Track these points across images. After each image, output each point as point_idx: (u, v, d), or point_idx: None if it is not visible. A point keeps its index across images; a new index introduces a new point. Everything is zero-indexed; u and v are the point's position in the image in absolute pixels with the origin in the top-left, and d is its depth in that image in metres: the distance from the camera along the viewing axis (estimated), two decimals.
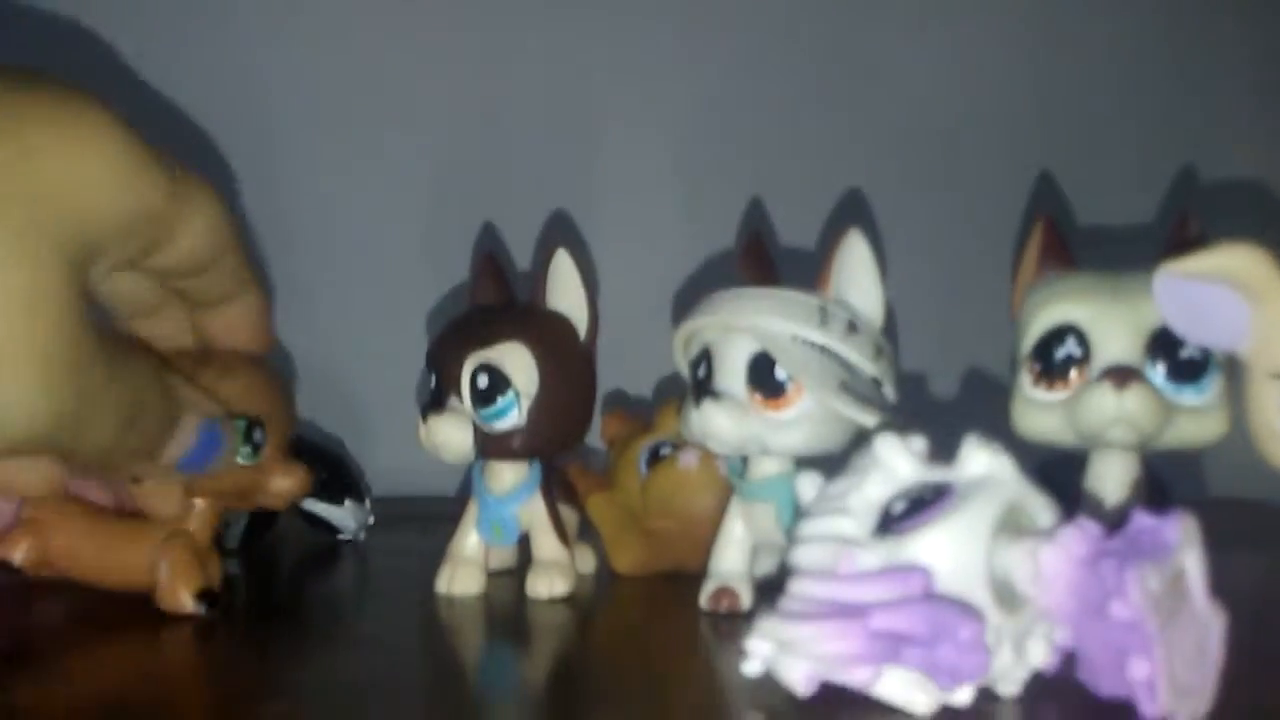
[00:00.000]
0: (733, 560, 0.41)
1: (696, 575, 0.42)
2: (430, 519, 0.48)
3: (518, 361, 0.41)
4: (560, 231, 0.62)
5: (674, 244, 0.63)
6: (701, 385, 0.39)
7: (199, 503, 0.39)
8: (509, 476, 0.43)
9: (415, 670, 0.35)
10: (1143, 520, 0.27)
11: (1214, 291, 0.31)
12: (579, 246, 0.44)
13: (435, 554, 0.44)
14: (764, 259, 0.42)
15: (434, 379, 0.42)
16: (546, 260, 0.43)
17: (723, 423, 0.38)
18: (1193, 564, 0.27)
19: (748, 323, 0.38)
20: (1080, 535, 0.27)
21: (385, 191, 0.64)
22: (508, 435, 0.41)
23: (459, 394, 0.41)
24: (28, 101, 0.27)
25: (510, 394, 0.41)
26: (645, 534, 0.46)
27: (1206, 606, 0.27)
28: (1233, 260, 0.31)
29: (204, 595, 0.39)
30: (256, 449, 0.38)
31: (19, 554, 0.39)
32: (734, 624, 0.39)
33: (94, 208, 0.28)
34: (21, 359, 0.26)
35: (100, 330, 0.28)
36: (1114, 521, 0.28)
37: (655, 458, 0.47)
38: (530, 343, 0.41)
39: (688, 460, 0.45)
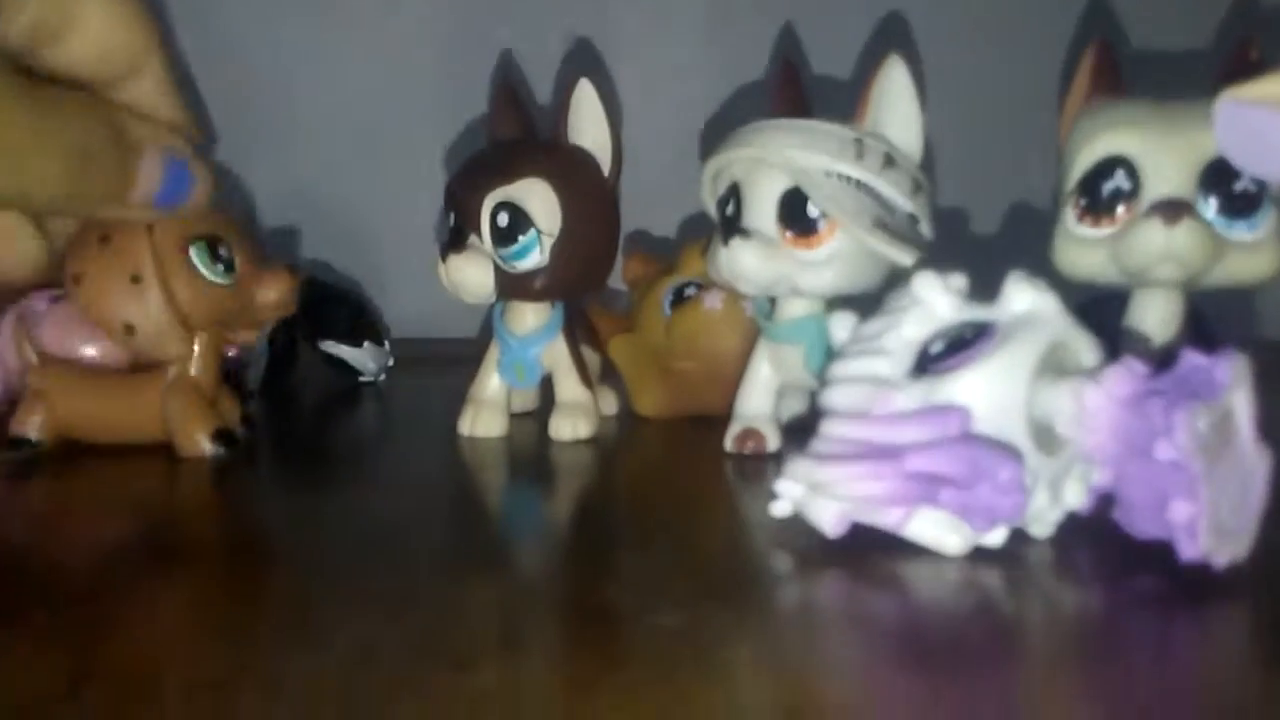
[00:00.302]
0: (759, 402, 0.40)
1: (721, 418, 0.41)
2: (450, 361, 0.47)
3: (540, 199, 0.40)
4: (581, 61, 0.59)
5: (701, 73, 0.60)
6: (730, 223, 0.38)
7: (197, 340, 0.39)
8: (530, 318, 0.42)
9: (439, 510, 0.35)
10: (1193, 359, 0.26)
11: (1277, 120, 0.29)
12: (601, 77, 0.42)
13: (455, 396, 0.44)
14: (797, 89, 0.40)
15: (453, 217, 0.41)
16: (568, 91, 0.41)
17: (751, 262, 0.36)
18: (1241, 405, 0.26)
19: (779, 157, 0.36)
20: (1126, 375, 0.26)
21: (399, 22, 0.61)
22: (529, 275, 0.40)
23: (479, 233, 0.40)
24: None
25: (532, 233, 0.40)
26: (669, 376, 0.46)
27: (1253, 449, 0.26)
28: None
29: (219, 435, 0.39)
30: (227, 266, 0.38)
31: (33, 429, 0.39)
32: (759, 465, 0.39)
33: None
34: None
35: (23, 77, 0.28)
36: (1157, 361, 0.27)
37: (679, 298, 0.46)
38: (552, 179, 0.40)
39: (712, 301, 0.45)
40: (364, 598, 0.26)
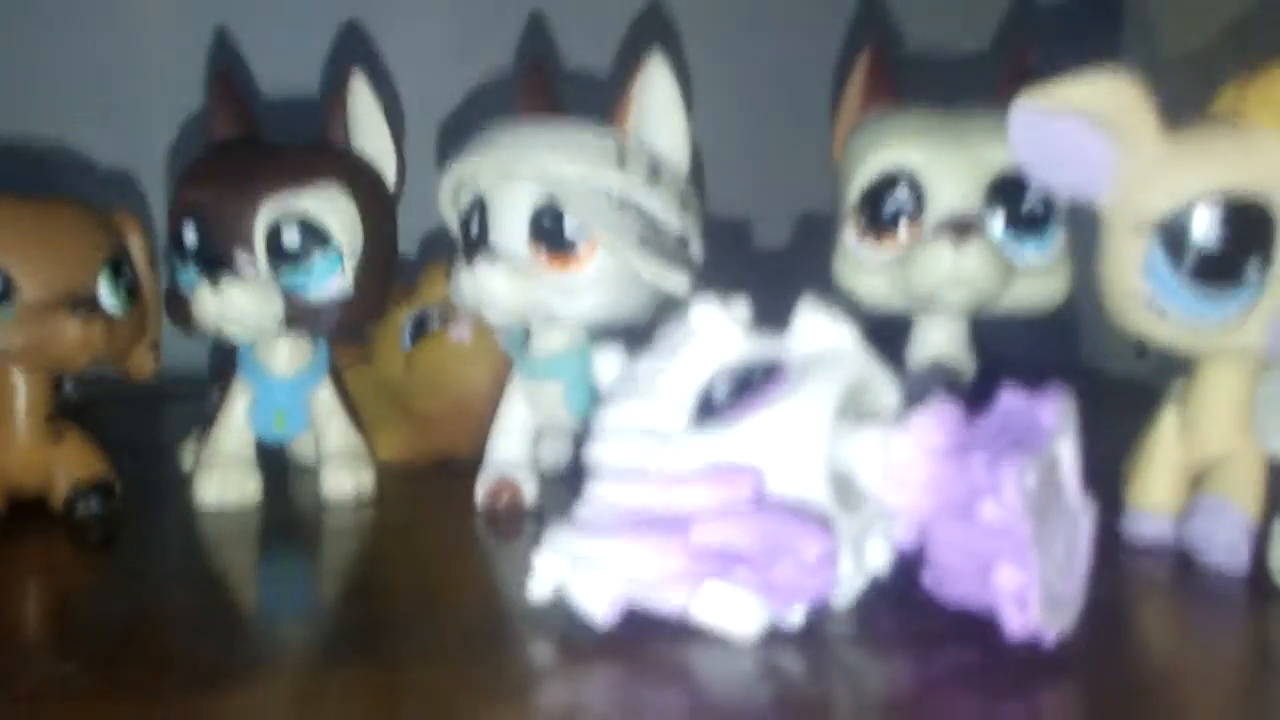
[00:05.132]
0: (513, 448, 0.36)
1: (470, 463, 0.36)
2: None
3: (337, 211, 0.33)
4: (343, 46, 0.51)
5: (440, 64, 0.54)
6: (474, 242, 0.33)
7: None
8: (287, 354, 0.36)
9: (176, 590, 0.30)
10: (1011, 401, 0.23)
11: (1074, 129, 0.27)
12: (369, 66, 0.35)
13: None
14: (547, 89, 0.35)
15: (195, 232, 0.34)
16: (339, 87, 0.35)
17: (500, 286, 0.32)
18: (1067, 452, 0.23)
19: (531, 166, 0.32)
20: (938, 422, 0.22)
21: None
22: (327, 306, 0.34)
23: (249, 252, 0.33)
24: None
25: (331, 252, 0.33)
26: (410, 416, 0.42)
27: (1078, 500, 0.23)
28: (1098, 92, 0.27)
29: None
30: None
31: None
32: (516, 522, 0.34)
33: None
34: None
35: None
36: (965, 399, 0.24)
37: (421, 329, 0.42)
38: (349, 186, 0.34)
39: (459, 332, 0.41)
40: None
